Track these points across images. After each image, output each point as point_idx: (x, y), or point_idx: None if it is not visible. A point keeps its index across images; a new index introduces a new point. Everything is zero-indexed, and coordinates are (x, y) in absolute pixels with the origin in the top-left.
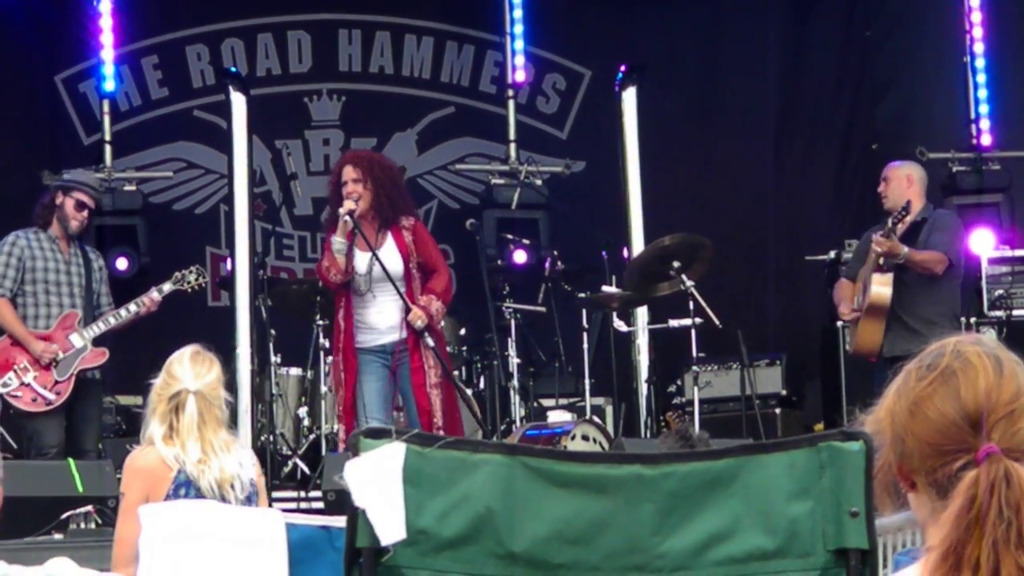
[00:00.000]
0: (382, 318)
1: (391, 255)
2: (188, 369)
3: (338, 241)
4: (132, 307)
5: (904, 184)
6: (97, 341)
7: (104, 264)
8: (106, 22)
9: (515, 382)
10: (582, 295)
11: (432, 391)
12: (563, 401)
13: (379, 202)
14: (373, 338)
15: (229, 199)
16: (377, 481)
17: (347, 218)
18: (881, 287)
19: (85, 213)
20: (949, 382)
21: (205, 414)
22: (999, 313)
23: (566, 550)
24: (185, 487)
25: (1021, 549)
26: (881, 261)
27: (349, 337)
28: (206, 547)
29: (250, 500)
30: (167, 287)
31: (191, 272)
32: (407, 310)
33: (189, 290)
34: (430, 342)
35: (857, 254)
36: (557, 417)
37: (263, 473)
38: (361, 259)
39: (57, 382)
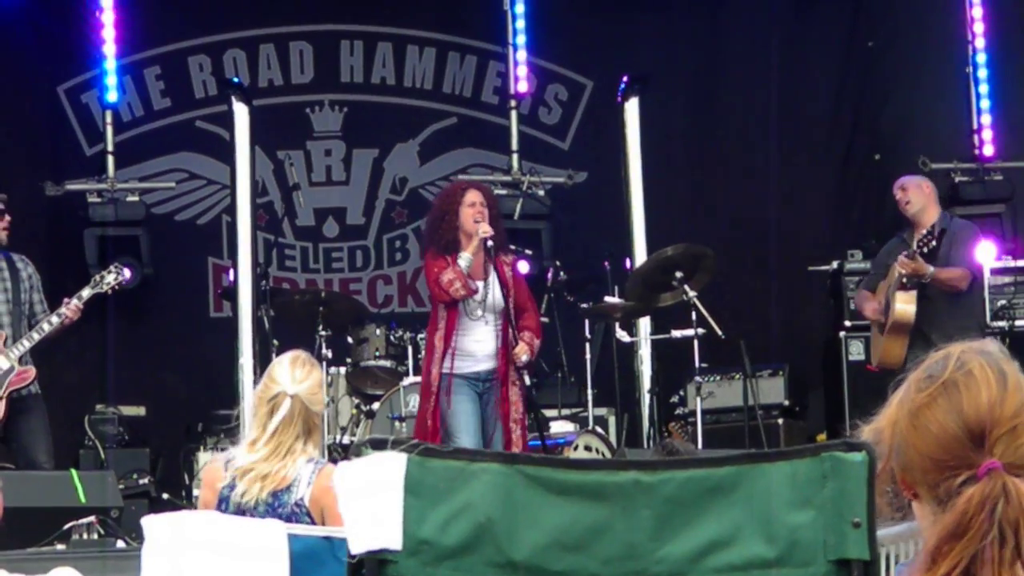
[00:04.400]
0: (480, 346)
1: (498, 287)
2: (287, 372)
3: (467, 257)
4: (54, 319)
5: (924, 191)
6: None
7: (35, 270)
8: (108, 33)
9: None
10: (585, 305)
11: (513, 425)
12: (566, 411)
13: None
14: (468, 365)
15: (231, 210)
16: (369, 489)
17: (489, 242)
18: (905, 304)
19: (7, 220)
20: (951, 395)
21: (297, 417)
22: (1002, 324)
23: (565, 557)
24: (226, 503)
25: (1018, 566)
26: (905, 280)
27: (449, 362)
28: (207, 558)
29: (288, 518)
30: (86, 292)
31: (109, 272)
32: (504, 340)
33: (109, 291)
34: (527, 379)
35: (876, 267)
36: (560, 428)
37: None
38: (477, 285)
39: None
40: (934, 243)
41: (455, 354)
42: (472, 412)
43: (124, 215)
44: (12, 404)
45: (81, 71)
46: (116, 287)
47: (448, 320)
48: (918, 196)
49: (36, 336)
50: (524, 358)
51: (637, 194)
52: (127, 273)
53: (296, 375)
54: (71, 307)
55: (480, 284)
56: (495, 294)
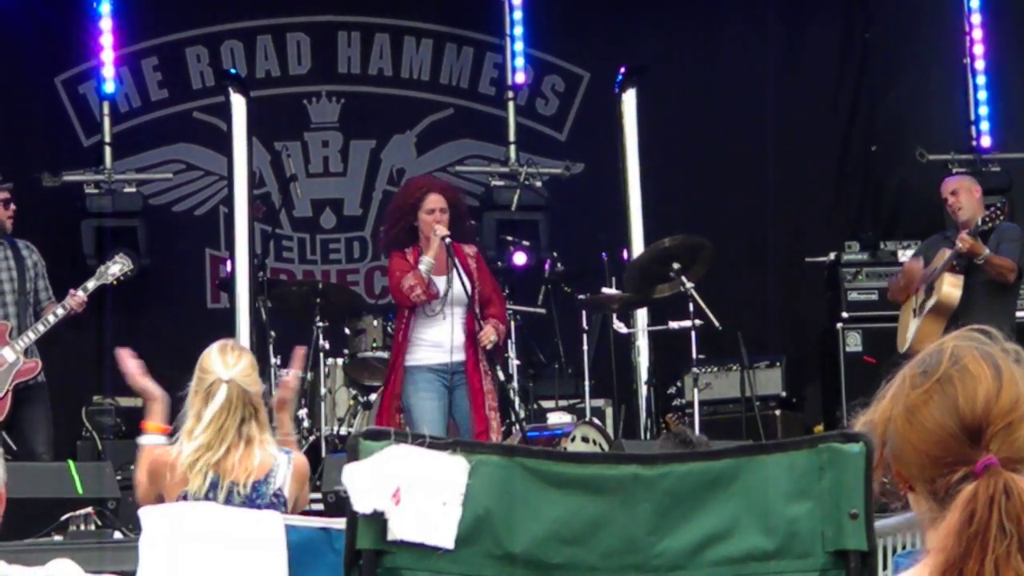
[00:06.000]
0: (448, 337)
1: (458, 280)
2: (218, 360)
3: (428, 261)
4: (59, 311)
5: (975, 195)
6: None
7: (40, 256)
8: (106, 24)
9: (515, 384)
10: (582, 297)
11: (491, 413)
12: (563, 403)
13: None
14: (436, 356)
15: (229, 201)
16: (381, 483)
17: (447, 240)
18: (952, 288)
19: (12, 209)
20: (946, 391)
21: (237, 401)
22: None
23: (563, 550)
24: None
25: (1019, 559)
26: (956, 261)
27: (409, 355)
28: (206, 548)
29: (267, 508)
30: (91, 284)
31: (114, 263)
32: (471, 331)
33: (114, 282)
34: (499, 368)
35: (921, 253)
36: (557, 419)
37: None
38: (438, 281)
39: None
40: (1001, 217)
41: (418, 346)
42: (435, 405)
43: (121, 206)
44: (17, 393)
45: (78, 62)
46: (121, 278)
47: (409, 314)
48: (969, 202)
49: (41, 328)
50: (492, 338)
51: (634, 185)
52: (131, 263)
53: (228, 360)
54: (76, 299)
55: (442, 280)
56: (456, 288)
